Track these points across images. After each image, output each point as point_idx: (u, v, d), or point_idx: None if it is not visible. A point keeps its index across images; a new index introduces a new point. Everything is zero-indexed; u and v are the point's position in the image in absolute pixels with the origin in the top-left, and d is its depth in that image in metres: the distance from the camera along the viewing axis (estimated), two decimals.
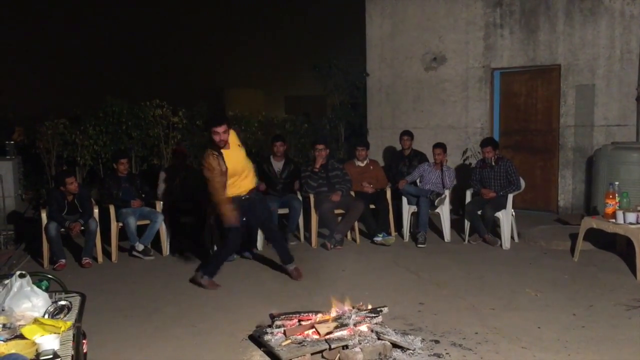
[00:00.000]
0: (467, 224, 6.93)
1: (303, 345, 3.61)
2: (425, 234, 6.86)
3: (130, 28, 17.26)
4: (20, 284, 2.82)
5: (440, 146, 7.22)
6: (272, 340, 3.70)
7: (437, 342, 3.90)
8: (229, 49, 18.57)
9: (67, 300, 2.91)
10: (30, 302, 2.78)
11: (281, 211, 6.98)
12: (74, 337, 2.58)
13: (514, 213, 6.86)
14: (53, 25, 16.83)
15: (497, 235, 6.82)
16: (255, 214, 5.41)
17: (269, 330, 3.82)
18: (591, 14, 7.93)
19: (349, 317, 3.82)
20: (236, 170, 5.14)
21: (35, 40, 16.45)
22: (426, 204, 6.92)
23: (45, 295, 2.89)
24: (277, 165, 7.08)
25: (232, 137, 5.17)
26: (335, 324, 3.77)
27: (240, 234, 5.32)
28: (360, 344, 3.63)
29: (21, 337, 2.51)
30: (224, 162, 5.05)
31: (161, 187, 6.94)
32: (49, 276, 3.44)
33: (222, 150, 5.07)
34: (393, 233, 7.16)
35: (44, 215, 6.24)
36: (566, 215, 7.98)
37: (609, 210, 5.65)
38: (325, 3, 15.98)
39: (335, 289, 5.07)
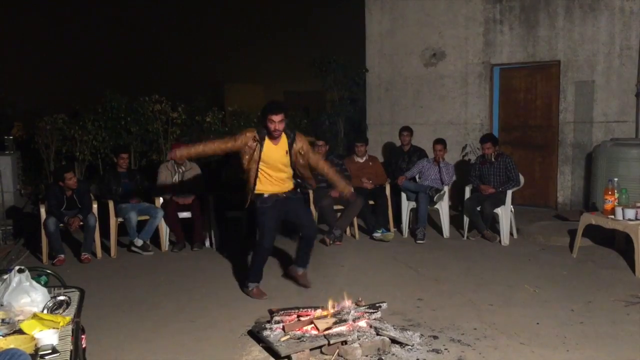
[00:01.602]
0: (466, 220, 6.93)
1: (302, 340, 3.61)
2: (424, 229, 6.87)
3: (129, 23, 17.22)
4: (19, 279, 2.83)
5: (441, 142, 7.22)
6: (271, 335, 3.70)
7: (435, 337, 3.91)
8: (228, 44, 18.53)
9: (66, 296, 2.91)
10: (29, 297, 2.78)
11: None
12: (72, 332, 2.58)
13: (512, 209, 6.87)
14: (52, 21, 16.79)
15: (496, 231, 6.82)
16: (293, 211, 5.01)
17: (267, 325, 3.82)
18: (591, 10, 7.91)
19: (348, 313, 3.83)
20: (268, 163, 4.81)
21: (34, 35, 16.41)
22: (425, 200, 6.92)
23: (44, 290, 2.89)
24: None
25: (284, 141, 4.83)
26: (334, 319, 3.77)
27: (273, 233, 4.97)
28: (359, 339, 3.64)
29: (20, 332, 2.51)
30: (260, 149, 4.74)
31: (161, 183, 6.90)
32: (48, 271, 3.44)
33: (268, 140, 4.77)
34: (392, 229, 7.17)
35: (42, 211, 6.24)
36: (565, 212, 7.98)
37: (608, 206, 5.66)
38: None
39: (334, 285, 5.10)
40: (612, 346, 3.76)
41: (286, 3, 17.45)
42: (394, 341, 3.72)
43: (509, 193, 6.77)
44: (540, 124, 8.52)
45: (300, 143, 4.91)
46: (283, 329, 3.73)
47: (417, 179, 7.34)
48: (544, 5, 8.24)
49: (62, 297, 2.87)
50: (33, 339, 2.42)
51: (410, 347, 3.70)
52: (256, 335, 3.88)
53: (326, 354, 3.62)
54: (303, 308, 4.01)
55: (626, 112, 7.77)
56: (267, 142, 4.79)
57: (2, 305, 2.73)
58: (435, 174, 7.19)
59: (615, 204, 5.61)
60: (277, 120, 4.69)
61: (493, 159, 6.86)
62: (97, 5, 17.05)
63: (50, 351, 2.34)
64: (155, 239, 6.69)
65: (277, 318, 3.86)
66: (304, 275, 5.17)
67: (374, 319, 3.88)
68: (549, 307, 4.53)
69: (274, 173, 4.86)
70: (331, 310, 3.90)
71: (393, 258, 6.16)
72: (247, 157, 4.80)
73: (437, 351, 3.68)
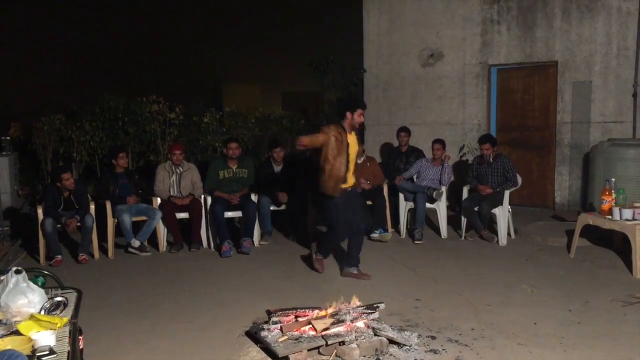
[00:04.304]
0: (463, 221, 6.94)
1: (300, 341, 3.61)
2: (422, 230, 6.87)
3: (128, 23, 17.20)
4: (16, 280, 2.82)
5: (439, 142, 7.23)
6: (269, 336, 3.70)
7: (433, 338, 3.91)
8: (226, 44, 18.52)
9: (63, 297, 2.91)
10: (26, 298, 2.77)
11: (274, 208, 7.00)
12: (70, 333, 2.58)
13: (510, 209, 6.87)
14: (50, 21, 16.76)
15: (494, 231, 6.83)
16: (351, 206, 5.40)
17: (265, 326, 3.82)
18: (588, 11, 7.93)
19: (346, 314, 3.82)
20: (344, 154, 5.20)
21: (32, 35, 16.38)
22: (423, 200, 6.92)
23: (42, 291, 2.89)
24: (277, 169, 7.07)
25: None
26: (332, 320, 3.77)
27: (346, 225, 5.39)
28: (357, 340, 3.64)
29: (17, 333, 2.50)
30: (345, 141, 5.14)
31: (158, 184, 6.89)
32: (45, 272, 3.44)
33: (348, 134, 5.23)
34: (390, 229, 7.16)
35: (40, 212, 6.22)
36: (562, 212, 8.00)
37: (605, 206, 5.67)
38: None
39: (332, 285, 5.10)
40: (610, 346, 3.76)
41: (284, 4, 17.44)
42: (391, 341, 3.72)
43: (507, 193, 6.77)
44: (538, 125, 8.53)
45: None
46: (281, 329, 3.73)
47: (415, 180, 7.35)
48: (541, 6, 8.25)
49: (59, 298, 2.86)
50: (30, 340, 2.41)
51: (408, 347, 3.70)
52: (254, 335, 3.88)
53: (324, 355, 3.62)
54: (301, 309, 4.01)
55: (623, 112, 7.79)
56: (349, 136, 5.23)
57: None
58: (433, 174, 7.19)
59: (613, 204, 5.61)
60: (363, 114, 5.25)
61: (491, 160, 6.87)
62: (94, 6, 17.01)
63: (47, 352, 2.33)
64: (153, 239, 6.68)
65: (275, 319, 3.86)
66: (352, 274, 5.46)
67: (372, 320, 3.88)
68: (547, 307, 4.54)
69: (342, 160, 5.19)
70: (329, 311, 3.90)
71: (391, 258, 6.17)
72: (333, 149, 5.10)
73: (434, 351, 3.68)
